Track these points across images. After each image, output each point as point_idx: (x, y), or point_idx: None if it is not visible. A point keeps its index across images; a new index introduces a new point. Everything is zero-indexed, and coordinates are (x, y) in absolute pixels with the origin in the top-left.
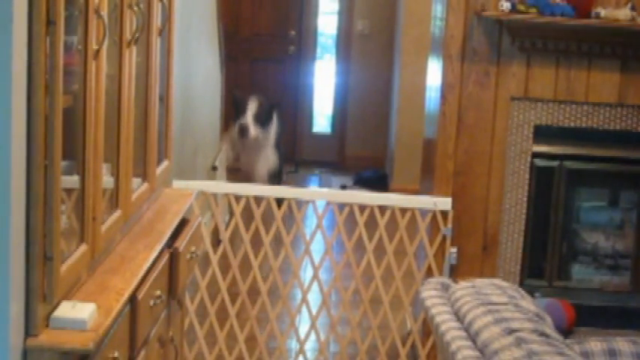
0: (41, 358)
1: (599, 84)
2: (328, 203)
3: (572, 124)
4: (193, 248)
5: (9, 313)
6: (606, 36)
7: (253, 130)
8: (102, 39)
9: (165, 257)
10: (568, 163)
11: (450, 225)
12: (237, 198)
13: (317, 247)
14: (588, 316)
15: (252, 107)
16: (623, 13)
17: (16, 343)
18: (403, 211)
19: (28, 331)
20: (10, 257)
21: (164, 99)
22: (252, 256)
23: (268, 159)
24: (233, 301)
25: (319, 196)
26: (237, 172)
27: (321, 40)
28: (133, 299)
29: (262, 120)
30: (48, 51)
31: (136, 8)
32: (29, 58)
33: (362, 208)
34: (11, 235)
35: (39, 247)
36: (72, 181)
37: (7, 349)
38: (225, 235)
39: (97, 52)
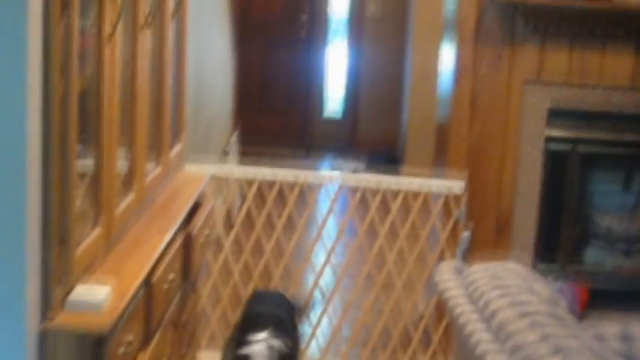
0: (57, 341)
1: (613, 67)
2: (340, 187)
3: (585, 108)
4: (207, 232)
5: (25, 296)
6: (620, 19)
7: None
8: (116, 22)
9: (179, 240)
10: (581, 147)
11: (462, 208)
12: (250, 182)
13: (329, 231)
14: (601, 300)
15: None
16: None
17: (32, 326)
18: (416, 194)
19: (45, 314)
20: (26, 240)
21: (177, 82)
22: (264, 240)
23: None
24: (245, 284)
25: (332, 179)
26: None
27: (332, 23)
28: (147, 282)
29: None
30: (63, 34)
31: None
32: (45, 42)
33: (374, 191)
34: (27, 218)
35: (55, 229)
36: (87, 164)
37: (24, 331)
38: (237, 219)
39: (111, 35)
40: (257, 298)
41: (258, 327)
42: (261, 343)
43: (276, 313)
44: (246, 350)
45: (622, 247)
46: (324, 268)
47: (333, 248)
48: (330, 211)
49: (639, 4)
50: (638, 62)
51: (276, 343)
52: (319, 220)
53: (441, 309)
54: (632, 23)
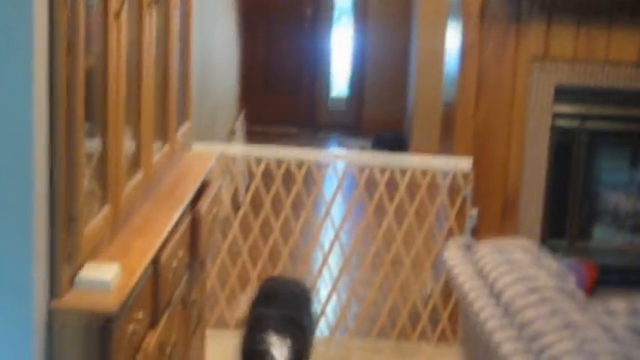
0: (65, 319)
1: (620, 44)
2: (348, 166)
3: (592, 84)
4: (215, 210)
5: (33, 275)
6: None
7: None
8: (122, 0)
9: (187, 219)
10: (589, 123)
11: (470, 186)
12: (258, 160)
13: (337, 209)
14: (609, 276)
15: None
16: None
17: (40, 305)
18: (423, 172)
19: (53, 293)
20: (34, 218)
21: (183, 61)
22: (272, 219)
23: None
24: (254, 263)
25: (339, 158)
26: None
27: (338, 3)
28: (156, 261)
29: None
30: (69, 12)
31: None
32: (50, 20)
33: (382, 170)
34: (35, 197)
35: (62, 208)
36: (94, 144)
37: (32, 310)
38: (245, 198)
39: (118, 12)
40: (265, 293)
41: (268, 328)
42: (273, 344)
43: (284, 312)
44: (261, 347)
45: (630, 223)
46: (332, 247)
47: (341, 227)
48: (337, 189)
49: None
50: None
51: (287, 343)
52: (327, 199)
53: (449, 287)
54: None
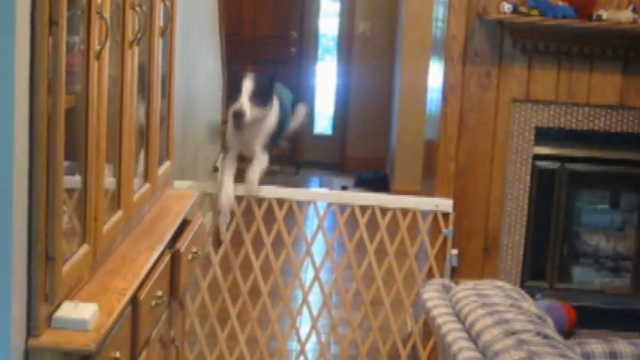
0: (43, 359)
1: (601, 86)
2: (329, 204)
3: (573, 126)
4: (194, 249)
5: (11, 313)
6: (608, 38)
7: (249, 112)
8: (104, 39)
9: (167, 258)
10: (569, 165)
11: (451, 226)
12: (239, 199)
13: (318, 248)
14: (589, 318)
15: (247, 87)
16: (625, 16)
17: (17, 344)
18: (404, 212)
19: (30, 332)
20: (13, 257)
21: (166, 100)
22: (253, 257)
23: (260, 160)
24: (234, 301)
25: (320, 197)
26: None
27: (322, 41)
28: (134, 300)
29: (260, 100)
30: (50, 51)
31: (138, 9)
32: (32, 59)
33: (363, 209)
34: (13, 236)
35: (41, 247)
36: (74, 181)
37: (9, 349)
38: (226, 236)
39: (100, 52)
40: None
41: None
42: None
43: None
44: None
45: (610, 265)
46: (312, 286)
47: (321, 265)
48: (318, 228)
49: (627, 24)
50: (626, 81)
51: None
52: (308, 238)
53: (429, 327)
54: (619, 42)
